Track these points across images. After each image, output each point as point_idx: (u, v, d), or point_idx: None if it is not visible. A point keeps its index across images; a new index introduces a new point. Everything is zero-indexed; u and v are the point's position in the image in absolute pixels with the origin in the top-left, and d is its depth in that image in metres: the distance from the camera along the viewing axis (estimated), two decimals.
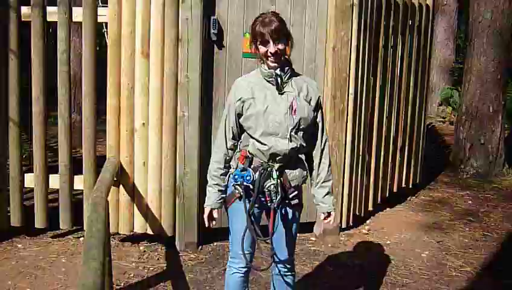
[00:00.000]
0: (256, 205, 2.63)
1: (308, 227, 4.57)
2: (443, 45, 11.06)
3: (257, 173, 2.56)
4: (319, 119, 2.68)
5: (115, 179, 3.94)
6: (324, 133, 2.71)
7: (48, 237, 4.30)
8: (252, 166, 2.59)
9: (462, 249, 4.46)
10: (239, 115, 2.60)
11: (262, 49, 2.53)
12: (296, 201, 2.64)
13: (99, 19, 4.02)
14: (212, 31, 4.05)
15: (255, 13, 4.12)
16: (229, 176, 2.69)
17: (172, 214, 4.15)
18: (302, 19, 4.24)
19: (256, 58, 2.65)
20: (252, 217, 2.61)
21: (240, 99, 2.58)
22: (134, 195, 4.14)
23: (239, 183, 2.58)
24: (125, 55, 3.97)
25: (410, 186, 5.74)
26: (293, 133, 2.54)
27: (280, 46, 2.51)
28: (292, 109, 2.54)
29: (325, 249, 4.35)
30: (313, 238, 4.53)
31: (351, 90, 4.42)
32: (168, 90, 3.99)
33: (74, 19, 4.03)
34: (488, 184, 6.31)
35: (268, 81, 2.57)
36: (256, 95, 2.56)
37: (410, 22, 5.29)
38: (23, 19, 4.01)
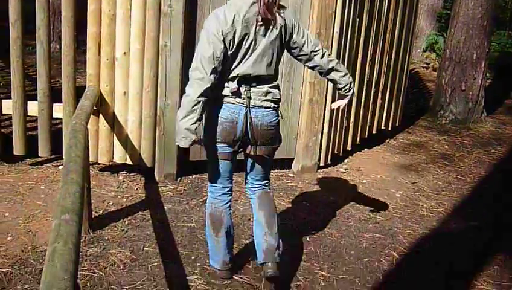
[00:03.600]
0: None
1: (287, 164, 4.63)
2: None
3: None
4: None
5: (95, 108, 3.91)
6: None
7: (27, 165, 4.29)
8: None
9: (435, 190, 4.58)
10: None
11: None
12: None
13: None
14: None
15: None
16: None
17: (152, 145, 4.16)
18: None
19: None
20: None
21: None
22: (114, 125, 4.13)
23: None
24: None
25: (390, 129, 5.81)
26: None
27: None
28: None
29: (302, 185, 4.43)
30: (291, 175, 4.60)
31: (336, 29, 4.37)
32: (151, 19, 3.90)
33: None
34: (465, 130, 6.41)
35: None
36: None
37: None
38: None
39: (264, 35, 2.60)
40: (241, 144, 2.75)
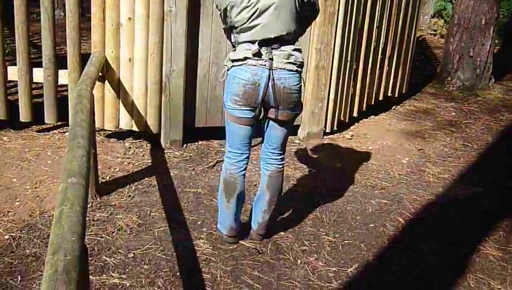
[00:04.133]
0: None
1: (292, 130, 4.60)
2: None
3: None
4: None
5: (100, 74, 3.89)
6: None
7: (34, 131, 4.31)
8: None
9: (441, 157, 4.57)
10: None
11: None
12: None
13: None
14: None
15: None
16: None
17: (158, 111, 4.15)
18: None
19: None
20: None
21: None
22: (120, 91, 4.12)
23: None
24: None
25: (396, 96, 5.76)
26: None
27: None
28: None
29: (309, 152, 4.42)
30: (297, 141, 4.60)
31: None
32: None
33: None
34: (473, 97, 6.36)
35: None
36: None
37: None
38: None
39: None
40: (262, 109, 2.72)
